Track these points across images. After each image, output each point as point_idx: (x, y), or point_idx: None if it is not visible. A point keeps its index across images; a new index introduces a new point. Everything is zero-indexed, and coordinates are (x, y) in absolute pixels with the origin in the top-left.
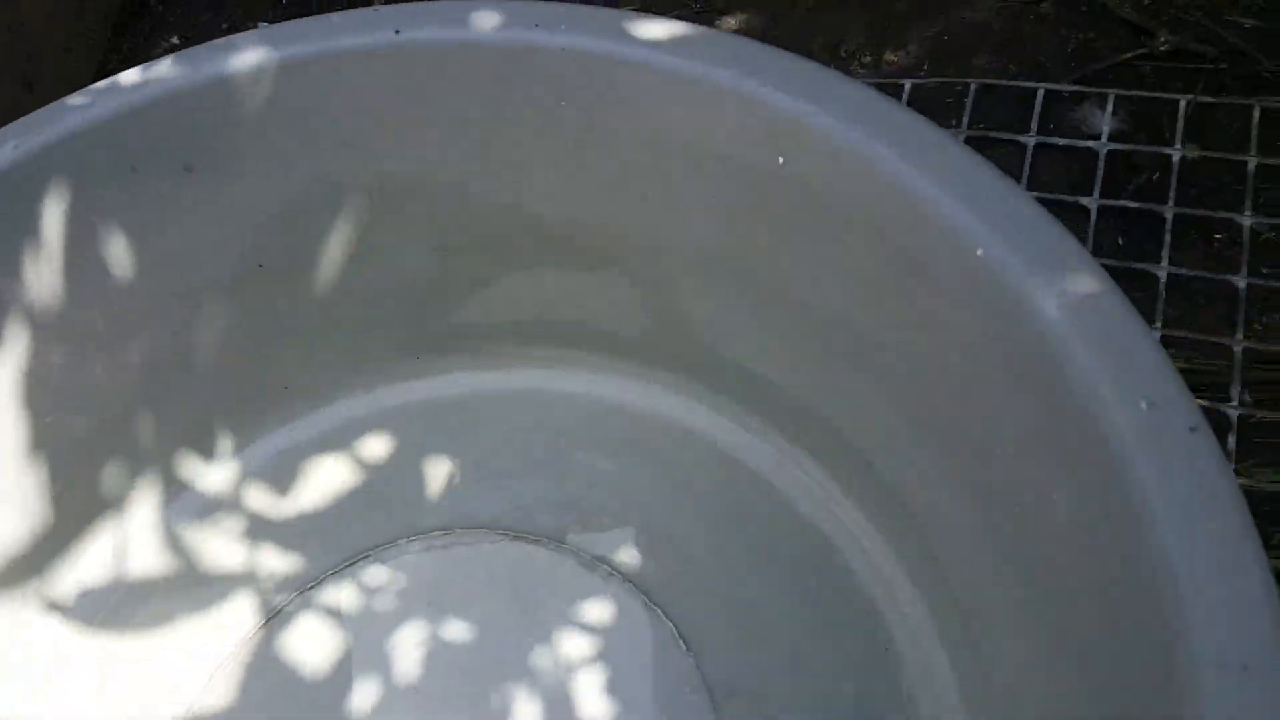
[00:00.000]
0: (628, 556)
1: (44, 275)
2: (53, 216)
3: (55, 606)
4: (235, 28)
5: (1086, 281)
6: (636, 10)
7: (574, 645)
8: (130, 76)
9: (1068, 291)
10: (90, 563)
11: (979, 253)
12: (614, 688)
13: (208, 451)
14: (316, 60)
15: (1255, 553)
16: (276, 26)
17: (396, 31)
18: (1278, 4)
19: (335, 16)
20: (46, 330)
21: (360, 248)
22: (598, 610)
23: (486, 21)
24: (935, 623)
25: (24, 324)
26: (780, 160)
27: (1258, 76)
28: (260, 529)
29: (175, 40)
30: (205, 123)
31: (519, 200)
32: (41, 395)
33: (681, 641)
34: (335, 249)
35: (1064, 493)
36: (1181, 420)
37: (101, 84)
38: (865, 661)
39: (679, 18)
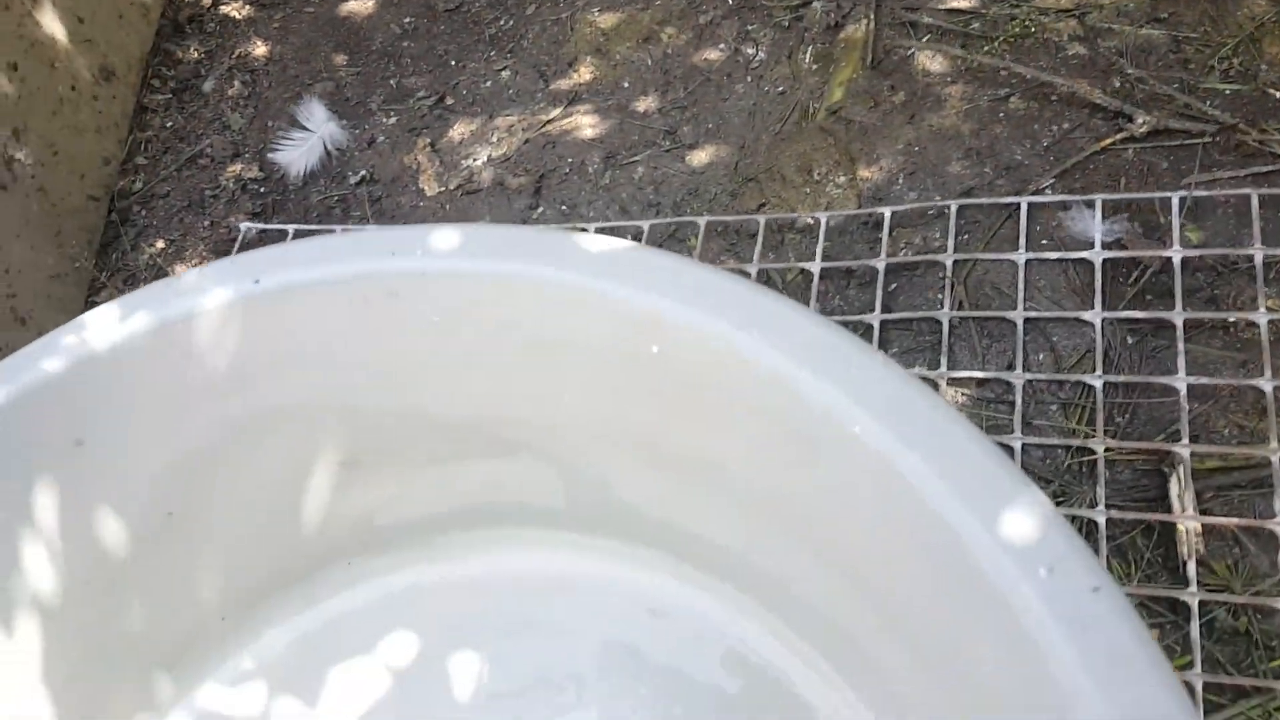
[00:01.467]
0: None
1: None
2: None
3: None
4: (216, 225)
5: (971, 452)
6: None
7: None
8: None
9: (951, 469)
10: None
11: (855, 430)
12: None
13: (152, 703)
14: (187, 319)
15: (1177, 704)
16: (147, 290)
17: (256, 281)
18: (1255, 66)
19: (196, 275)
20: None
21: (269, 475)
22: None
23: (342, 258)
24: None
25: None
26: (655, 349)
27: (1245, 145)
28: None
29: (160, 244)
30: (95, 390)
31: (422, 407)
32: None
33: None
34: (243, 482)
35: (986, 649)
36: (1083, 583)
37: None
38: None
39: (649, 153)
